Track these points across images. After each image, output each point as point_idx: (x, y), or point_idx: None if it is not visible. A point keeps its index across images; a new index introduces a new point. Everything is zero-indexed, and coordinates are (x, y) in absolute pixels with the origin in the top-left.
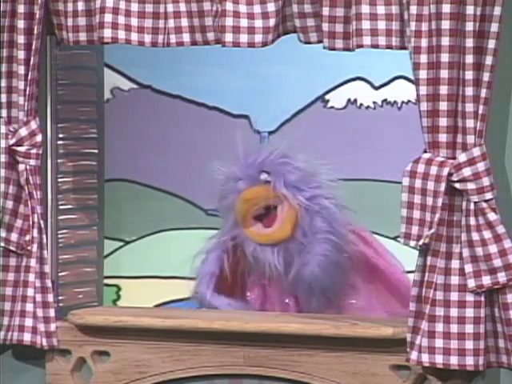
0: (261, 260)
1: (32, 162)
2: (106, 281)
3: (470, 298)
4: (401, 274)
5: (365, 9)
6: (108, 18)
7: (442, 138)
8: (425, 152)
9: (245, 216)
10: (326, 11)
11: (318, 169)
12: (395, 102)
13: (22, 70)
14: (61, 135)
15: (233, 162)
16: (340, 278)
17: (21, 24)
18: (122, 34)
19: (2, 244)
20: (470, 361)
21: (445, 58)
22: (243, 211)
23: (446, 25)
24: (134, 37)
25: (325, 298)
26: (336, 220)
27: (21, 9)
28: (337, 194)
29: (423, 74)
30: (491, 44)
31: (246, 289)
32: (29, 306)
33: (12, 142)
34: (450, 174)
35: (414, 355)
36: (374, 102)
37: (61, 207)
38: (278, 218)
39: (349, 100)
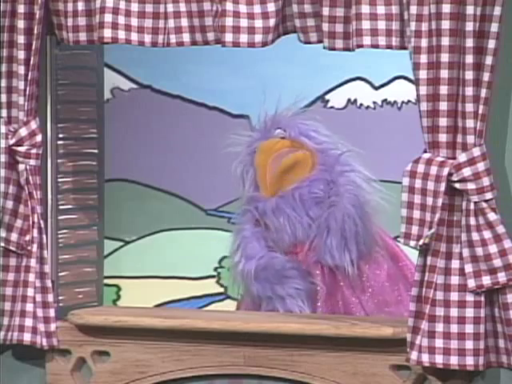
0: (285, 218)
1: (32, 162)
2: (106, 281)
3: (470, 298)
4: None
5: (365, 9)
6: (108, 17)
7: (442, 138)
8: (425, 152)
9: (264, 170)
10: (326, 11)
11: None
12: (395, 101)
13: (22, 69)
14: (61, 135)
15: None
16: (370, 223)
17: (21, 24)
18: (121, 34)
19: (2, 244)
20: (470, 361)
21: (445, 58)
22: (262, 163)
23: (445, 25)
24: (134, 37)
25: (357, 250)
26: (355, 164)
27: (21, 9)
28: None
29: (423, 73)
30: (491, 44)
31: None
32: (29, 306)
33: (12, 142)
34: (450, 174)
35: (414, 355)
36: (374, 102)
37: (61, 207)
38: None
39: (349, 100)
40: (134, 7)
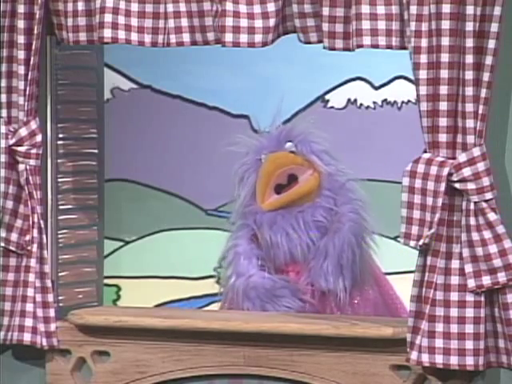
0: (282, 235)
1: (32, 162)
2: (106, 281)
3: (470, 298)
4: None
5: (365, 9)
6: (108, 18)
7: (442, 138)
8: (425, 152)
9: (268, 179)
10: (325, 11)
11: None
12: (395, 102)
13: (21, 69)
14: (61, 135)
15: (255, 135)
16: (367, 252)
17: (21, 24)
18: (121, 34)
19: (2, 244)
20: (470, 361)
21: (445, 58)
22: (269, 172)
23: (445, 25)
24: (134, 37)
25: (352, 277)
26: (359, 193)
27: (21, 9)
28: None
29: (423, 73)
30: (491, 44)
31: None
32: (29, 306)
33: (12, 142)
34: (449, 174)
35: (414, 355)
36: (374, 102)
37: (61, 207)
38: (300, 181)
39: (349, 100)
40: (134, 7)
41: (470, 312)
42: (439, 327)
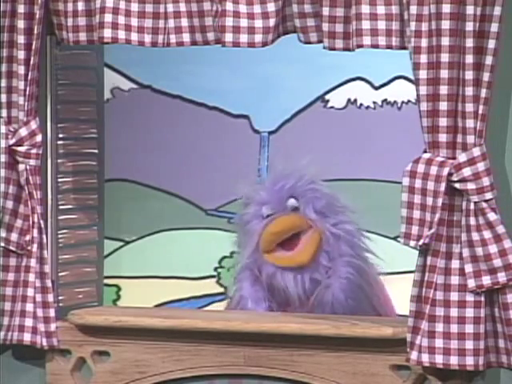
0: (280, 286)
1: (32, 162)
2: (106, 281)
3: (470, 297)
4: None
5: (365, 9)
6: (108, 18)
7: (442, 138)
8: (425, 152)
9: (270, 245)
10: (326, 11)
11: (338, 194)
12: (395, 102)
13: (21, 69)
14: (61, 135)
15: (257, 186)
16: (362, 302)
17: (21, 24)
18: (122, 34)
19: (2, 244)
20: (470, 361)
21: (445, 58)
22: (269, 242)
23: (445, 25)
24: (134, 37)
25: None
26: (358, 245)
27: (21, 9)
28: (355, 219)
29: (423, 73)
30: (491, 44)
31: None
32: (29, 306)
33: (12, 142)
34: (450, 174)
35: (414, 355)
36: (374, 102)
37: (61, 207)
38: (301, 242)
39: (349, 100)
40: (134, 7)
41: (469, 312)
42: (439, 327)
